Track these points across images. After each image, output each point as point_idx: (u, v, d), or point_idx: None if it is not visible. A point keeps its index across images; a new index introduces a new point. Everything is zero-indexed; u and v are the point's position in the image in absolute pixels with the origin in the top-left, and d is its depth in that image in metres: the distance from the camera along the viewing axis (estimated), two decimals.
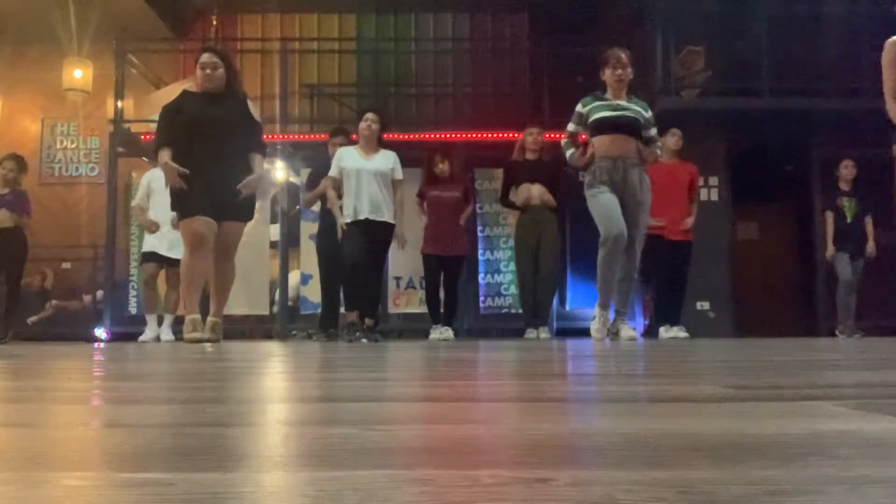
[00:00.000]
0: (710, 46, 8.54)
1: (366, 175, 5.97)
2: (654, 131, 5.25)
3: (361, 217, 5.93)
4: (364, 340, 5.82)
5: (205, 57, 4.93)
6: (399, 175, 6.16)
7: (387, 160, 6.09)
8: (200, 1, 10.28)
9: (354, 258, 5.91)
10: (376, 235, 5.98)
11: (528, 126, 6.89)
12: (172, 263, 6.57)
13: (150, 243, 6.94)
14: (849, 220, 7.48)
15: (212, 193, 4.71)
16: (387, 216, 6.02)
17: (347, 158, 6.06)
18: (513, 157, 6.84)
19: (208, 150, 4.73)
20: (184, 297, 4.99)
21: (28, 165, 7.75)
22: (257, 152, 4.98)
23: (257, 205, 5.34)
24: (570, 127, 5.27)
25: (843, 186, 7.57)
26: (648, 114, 5.21)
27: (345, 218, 5.98)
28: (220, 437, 0.76)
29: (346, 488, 0.51)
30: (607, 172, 5.03)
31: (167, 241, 6.71)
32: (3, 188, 7.25)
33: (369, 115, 6.13)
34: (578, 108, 5.23)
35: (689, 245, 6.65)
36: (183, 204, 4.79)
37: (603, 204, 5.01)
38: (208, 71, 4.87)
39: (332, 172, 6.08)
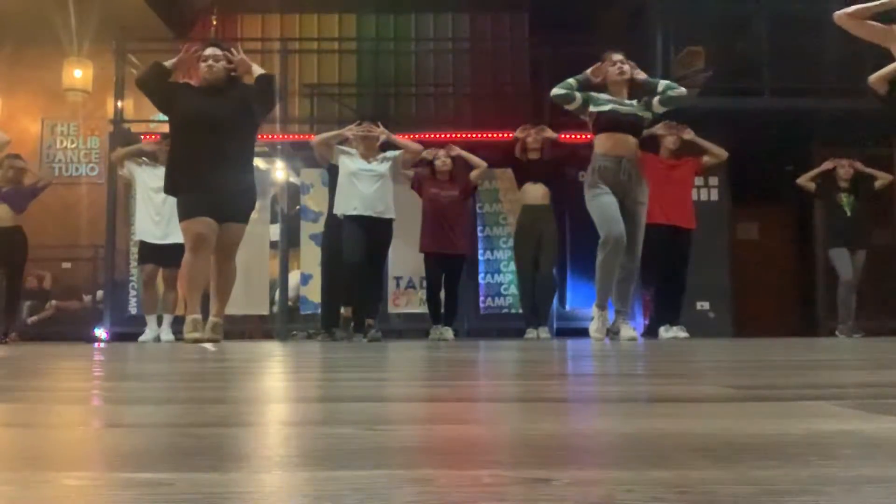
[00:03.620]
0: (710, 46, 8.54)
1: (365, 176, 6.03)
2: (661, 86, 5.17)
3: (359, 213, 5.97)
4: (364, 339, 5.84)
5: (209, 50, 4.96)
6: (397, 153, 6.23)
7: (385, 161, 6.15)
8: (200, 1, 10.27)
9: (354, 257, 5.94)
10: (376, 233, 6.02)
11: (523, 126, 6.90)
12: (169, 264, 6.57)
13: (143, 227, 6.92)
14: (848, 214, 7.49)
15: (213, 194, 4.70)
16: (386, 213, 6.07)
17: (348, 158, 6.11)
18: (516, 156, 6.87)
19: (208, 150, 4.72)
20: (185, 297, 4.98)
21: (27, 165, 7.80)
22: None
23: (257, 204, 5.34)
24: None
25: (842, 184, 7.58)
26: (653, 97, 5.17)
27: (341, 210, 6.05)
28: (220, 437, 0.76)
29: (346, 488, 0.51)
30: (611, 173, 5.03)
31: (160, 230, 6.71)
32: (5, 185, 7.28)
33: (365, 124, 6.25)
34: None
35: (689, 234, 6.62)
36: (184, 205, 4.79)
37: (603, 205, 5.01)
38: (210, 62, 4.88)
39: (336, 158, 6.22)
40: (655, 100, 5.14)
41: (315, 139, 6.43)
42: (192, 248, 4.74)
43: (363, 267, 5.98)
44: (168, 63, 4.91)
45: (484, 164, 6.85)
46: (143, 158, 6.90)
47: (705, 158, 6.70)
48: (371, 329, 6.01)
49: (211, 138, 4.71)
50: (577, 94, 5.14)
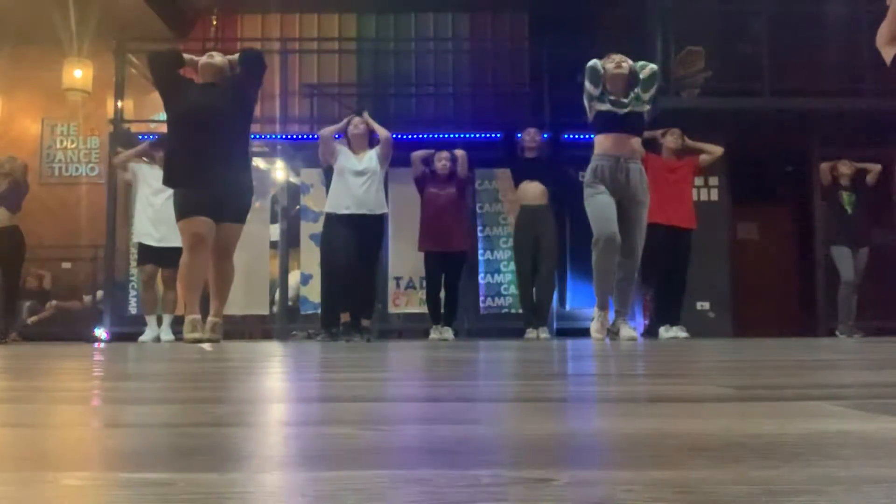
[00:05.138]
0: (710, 46, 8.54)
1: (357, 174, 6.10)
2: (637, 67, 5.11)
3: (352, 211, 6.03)
4: (363, 340, 5.85)
5: (210, 53, 5.10)
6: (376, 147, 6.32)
7: (372, 158, 6.23)
8: (200, 1, 10.27)
9: (342, 258, 6.01)
10: (368, 231, 6.08)
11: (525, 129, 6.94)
12: (169, 265, 6.57)
13: (142, 229, 6.93)
14: (849, 212, 7.50)
15: (209, 192, 4.71)
16: (377, 209, 6.14)
17: (343, 155, 6.20)
18: (515, 154, 6.91)
19: (206, 146, 4.73)
20: (183, 297, 4.99)
21: (28, 165, 7.79)
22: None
23: (256, 205, 5.36)
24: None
25: (843, 182, 7.59)
26: (647, 95, 5.13)
27: (332, 209, 6.17)
28: (220, 437, 0.76)
29: (346, 488, 0.50)
30: (609, 172, 5.03)
31: (158, 232, 6.73)
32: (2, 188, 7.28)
33: (354, 119, 6.42)
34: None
35: (689, 234, 6.62)
36: (181, 202, 4.80)
37: (598, 204, 5.02)
38: (211, 53, 5.04)
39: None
40: (640, 88, 5.11)
41: (322, 132, 6.48)
42: (190, 248, 4.75)
43: (353, 267, 6.05)
44: (186, 56, 5.05)
45: (462, 151, 6.88)
46: (144, 158, 6.92)
47: (702, 157, 6.73)
48: (366, 331, 6.07)
49: (209, 135, 4.74)
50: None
